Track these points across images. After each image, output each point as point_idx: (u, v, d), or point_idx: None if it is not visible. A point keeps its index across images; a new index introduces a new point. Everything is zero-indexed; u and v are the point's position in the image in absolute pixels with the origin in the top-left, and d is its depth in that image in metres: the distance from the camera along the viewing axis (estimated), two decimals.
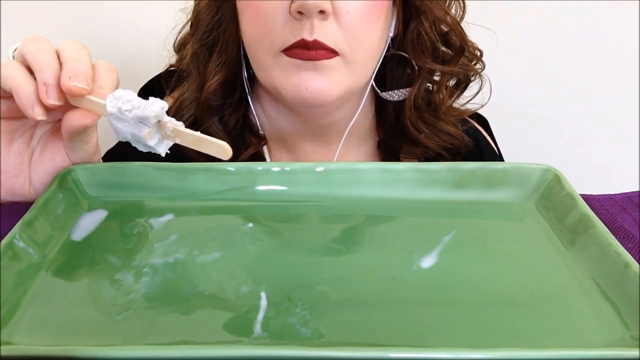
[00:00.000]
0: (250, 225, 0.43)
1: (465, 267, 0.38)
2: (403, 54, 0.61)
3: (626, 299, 0.34)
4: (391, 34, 0.60)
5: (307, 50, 0.52)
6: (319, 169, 0.46)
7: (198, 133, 0.40)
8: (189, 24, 0.64)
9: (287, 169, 0.46)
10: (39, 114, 0.41)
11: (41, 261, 0.38)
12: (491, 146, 0.71)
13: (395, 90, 0.63)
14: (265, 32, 0.54)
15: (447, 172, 0.46)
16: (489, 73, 0.65)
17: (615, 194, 0.46)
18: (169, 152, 0.42)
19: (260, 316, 0.33)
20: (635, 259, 0.35)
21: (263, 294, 0.35)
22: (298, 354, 0.28)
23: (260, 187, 0.46)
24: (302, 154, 0.65)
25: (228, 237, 0.41)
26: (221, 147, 0.39)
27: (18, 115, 0.43)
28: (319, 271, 0.38)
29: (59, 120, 0.44)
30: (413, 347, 0.30)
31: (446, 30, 0.61)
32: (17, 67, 0.41)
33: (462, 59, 0.62)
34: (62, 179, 0.44)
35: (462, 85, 0.64)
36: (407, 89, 0.62)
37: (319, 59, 0.53)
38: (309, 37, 0.52)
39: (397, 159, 0.65)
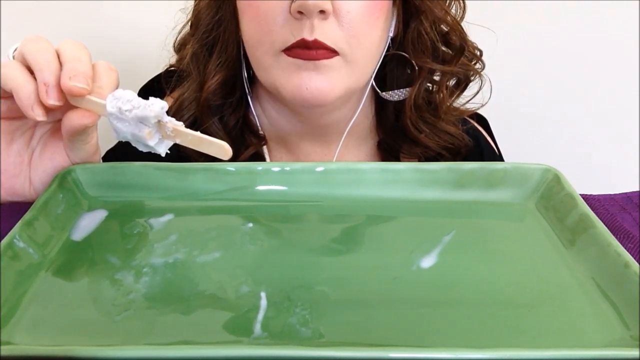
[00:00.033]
0: (250, 225, 0.43)
1: (465, 267, 0.38)
2: (403, 53, 0.61)
3: (626, 299, 0.34)
4: (391, 34, 0.60)
5: (307, 50, 0.52)
6: (319, 169, 0.46)
7: (198, 133, 0.40)
8: (189, 24, 0.64)
9: (287, 169, 0.46)
10: (39, 115, 0.41)
11: (41, 261, 0.38)
12: (491, 146, 0.71)
13: (396, 90, 0.63)
14: (265, 32, 0.54)
15: (447, 172, 0.46)
16: (489, 73, 0.65)
17: (615, 194, 0.46)
18: (169, 152, 0.42)
19: (260, 316, 0.33)
20: (635, 259, 0.35)
21: (263, 294, 0.35)
22: (298, 354, 0.28)
23: (260, 187, 0.46)
24: (302, 154, 0.65)
25: (228, 237, 0.41)
26: (221, 147, 0.39)
27: (18, 115, 0.43)
28: (319, 271, 0.38)
29: (59, 120, 0.44)
30: (413, 347, 0.30)
31: (446, 30, 0.61)
32: (17, 67, 0.41)
33: (462, 58, 0.62)
34: (62, 179, 0.44)
35: (462, 84, 0.65)
36: (407, 88, 0.62)
37: (319, 59, 0.53)
38: (309, 37, 0.52)
39: (397, 158, 0.65)
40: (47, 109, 0.41)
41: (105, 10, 0.89)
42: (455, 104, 0.66)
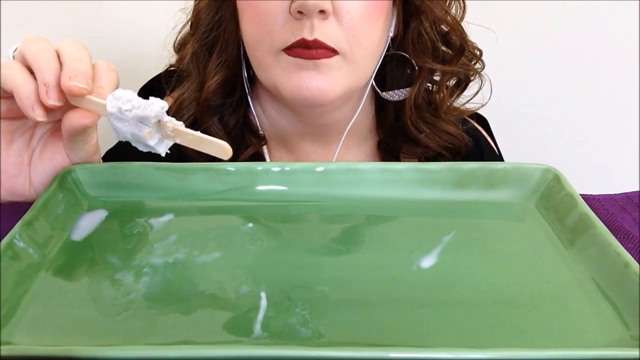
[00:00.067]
0: (250, 225, 0.43)
1: (465, 267, 0.38)
2: (403, 53, 0.61)
3: (626, 299, 0.34)
4: (391, 34, 0.60)
5: (307, 50, 0.52)
6: (319, 169, 0.46)
7: (198, 133, 0.40)
8: (189, 24, 0.64)
9: (287, 169, 0.46)
10: (39, 115, 0.41)
11: (41, 261, 0.38)
12: (491, 146, 0.71)
13: (396, 90, 0.63)
14: (265, 31, 0.54)
15: (447, 172, 0.46)
16: (489, 73, 0.65)
17: (615, 194, 0.46)
18: (169, 152, 0.42)
19: (260, 316, 0.33)
20: (635, 259, 0.35)
21: (263, 294, 0.35)
22: (298, 354, 0.28)
23: (260, 187, 0.46)
24: (302, 154, 0.65)
25: (228, 237, 0.41)
26: (221, 147, 0.39)
27: (18, 115, 0.43)
28: (319, 271, 0.38)
29: (59, 120, 0.44)
30: (413, 347, 0.30)
31: (446, 30, 0.61)
32: (17, 67, 0.41)
33: (462, 58, 0.62)
34: (62, 179, 0.44)
35: (463, 84, 0.65)
36: (407, 88, 0.62)
37: (319, 58, 0.53)
38: (309, 37, 0.52)
39: (397, 158, 0.65)
40: (48, 109, 0.41)
41: (105, 10, 0.89)
42: (455, 104, 0.66)
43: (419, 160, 0.65)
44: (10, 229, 0.38)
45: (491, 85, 0.65)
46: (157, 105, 0.40)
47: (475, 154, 0.67)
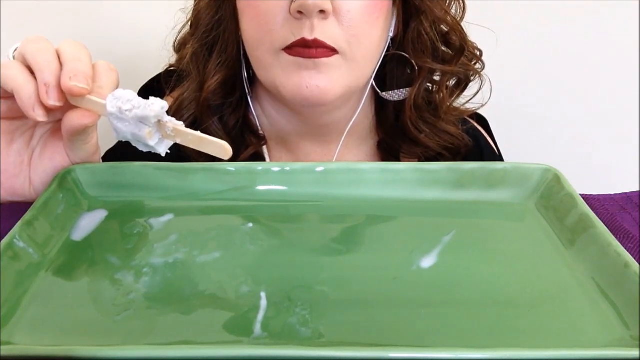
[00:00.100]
0: (250, 225, 0.43)
1: (465, 267, 0.38)
2: (403, 53, 0.62)
3: (626, 299, 0.34)
4: (391, 34, 0.60)
5: (307, 49, 0.52)
6: (319, 169, 0.46)
7: (198, 133, 0.40)
8: (189, 24, 0.64)
9: (287, 169, 0.46)
10: (40, 115, 0.41)
11: (41, 261, 0.38)
12: (491, 146, 0.71)
13: (396, 90, 0.63)
14: (265, 31, 0.54)
15: (447, 172, 0.46)
16: (489, 73, 0.65)
17: (615, 194, 0.46)
18: (169, 152, 0.42)
19: (260, 316, 0.33)
20: (635, 259, 0.35)
21: (263, 294, 0.35)
22: (298, 354, 0.28)
23: (260, 187, 0.46)
24: (302, 154, 0.65)
25: (228, 237, 0.41)
26: (221, 147, 0.39)
27: (18, 115, 0.43)
28: (319, 271, 0.38)
29: (59, 120, 0.44)
30: (413, 347, 0.30)
31: (446, 30, 0.61)
32: (17, 67, 0.41)
33: (462, 58, 0.62)
34: (62, 179, 0.44)
35: (462, 85, 0.65)
36: (407, 88, 0.63)
37: (319, 57, 0.53)
38: (309, 36, 0.52)
39: (397, 158, 0.65)
40: (48, 109, 0.41)
41: (105, 10, 0.89)
42: (455, 104, 0.66)
43: (419, 160, 0.65)
44: (10, 229, 0.38)
45: (491, 85, 0.65)
46: (157, 105, 0.40)
47: (475, 154, 0.67)
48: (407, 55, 0.61)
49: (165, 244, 0.40)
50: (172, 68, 0.67)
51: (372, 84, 0.62)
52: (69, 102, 0.41)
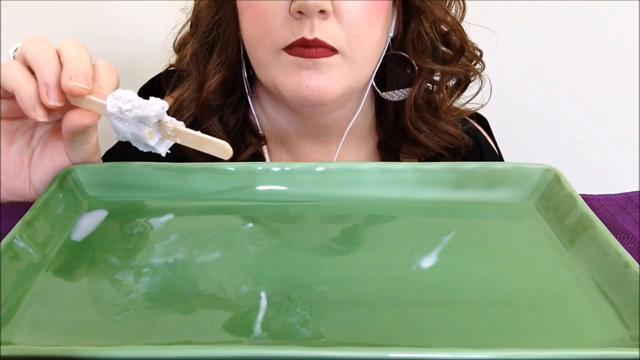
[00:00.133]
0: (250, 225, 0.43)
1: (465, 267, 0.38)
2: (403, 54, 0.62)
3: (626, 299, 0.34)
4: (391, 34, 0.60)
5: (307, 49, 0.52)
6: (319, 169, 0.46)
7: (198, 133, 0.40)
8: (189, 23, 0.64)
9: (287, 169, 0.46)
10: (40, 116, 0.41)
11: (41, 261, 0.38)
12: (491, 146, 0.71)
13: (396, 90, 0.63)
14: (265, 31, 0.54)
15: (447, 172, 0.46)
16: (489, 73, 0.65)
17: (615, 194, 0.46)
18: (169, 152, 0.42)
19: (260, 316, 0.33)
20: (635, 259, 0.35)
21: (263, 294, 0.35)
22: (298, 354, 0.28)
23: (260, 187, 0.46)
24: (302, 154, 0.65)
25: (228, 237, 0.41)
26: (222, 147, 0.39)
27: (19, 115, 0.43)
28: (319, 271, 0.38)
29: (59, 120, 0.44)
30: (413, 347, 0.30)
31: (446, 30, 0.61)
32: (18, 67, 0.41)
33: (462, 59, 0.62)
34: (62, 179, 0.44)
35: (462, 85, 0.65)
36: (407, 89, 0.63)
37: (319, 57, 0.53)
38: (309, 36, 0.52)
39: (397, 159, 0.65)
40: (49, 110, 0.41)
41: (105, 10, 0.89)
42: (455, 104, 0.66)
43: (419, 160, 0.65)
44: (10, 229, 0.38)
45: (491, 85, 0.65)
46: (158, 105, 0.40)
47: (475, 154, 0.67)
48: (407, 56, 0.61)
49: (165, 244, 0.40)
50: (172, 68, 0.67)
51: (372, 84, 0.62)
52: (69, 102, 0.41)
